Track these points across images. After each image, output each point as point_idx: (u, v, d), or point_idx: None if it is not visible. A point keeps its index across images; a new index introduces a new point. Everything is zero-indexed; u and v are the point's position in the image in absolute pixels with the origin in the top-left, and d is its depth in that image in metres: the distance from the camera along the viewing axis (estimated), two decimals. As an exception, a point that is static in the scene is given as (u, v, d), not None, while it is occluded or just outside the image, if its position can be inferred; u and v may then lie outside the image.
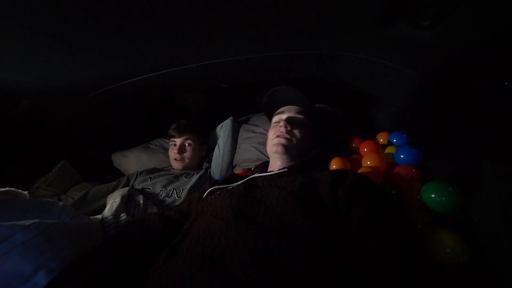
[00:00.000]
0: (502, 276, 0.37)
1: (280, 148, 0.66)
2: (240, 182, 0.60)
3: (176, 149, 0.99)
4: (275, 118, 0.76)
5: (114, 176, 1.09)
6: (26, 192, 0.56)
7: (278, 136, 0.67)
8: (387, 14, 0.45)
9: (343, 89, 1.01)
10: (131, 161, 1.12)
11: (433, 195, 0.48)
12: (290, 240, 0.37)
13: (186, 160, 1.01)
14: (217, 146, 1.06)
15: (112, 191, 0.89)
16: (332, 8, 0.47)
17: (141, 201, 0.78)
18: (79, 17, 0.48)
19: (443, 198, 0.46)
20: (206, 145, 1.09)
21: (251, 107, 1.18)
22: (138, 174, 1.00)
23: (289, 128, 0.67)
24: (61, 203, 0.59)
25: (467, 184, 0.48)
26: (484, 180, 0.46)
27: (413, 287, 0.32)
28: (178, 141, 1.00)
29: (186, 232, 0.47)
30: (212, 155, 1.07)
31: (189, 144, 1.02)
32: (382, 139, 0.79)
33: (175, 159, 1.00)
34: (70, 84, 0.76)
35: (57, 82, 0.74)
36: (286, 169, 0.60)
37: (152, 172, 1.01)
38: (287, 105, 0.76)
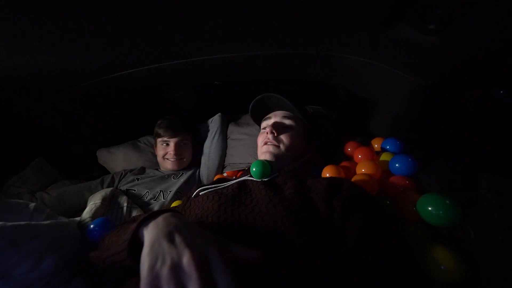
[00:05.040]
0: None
1: (268, 156, 0.65)
2: (230, 183, 0.57)
3: (172, 150, 0.93)
4: (263, 124, 0.75)
5: (99, 174, 1.04)
6: (-8, 193, 0.51)
7: (266, 143, 0.66)
8: (390, 15, 0.42)
9: (339, 91, 0.99)
10: (118, 159, 1.06)
11: (429, 208, 0.45)
12: (279, 255, 0.35)
13: (184, 161, 0.97)
14: (205, 143, 1.01)
15: (94, 190, 0.85)
16: (330, 6, 0.44)
17: (125, 204, 0.74)
18: (63, 3, 0.44)
19: (440, 212, 0.44)
20: (198, 142, 1.04)
21: (243, 106, 1.15)
22: (123, 173, 0.95)
23: (275, 134, 0.66)
24: (33, 204, 0.55)
25: (464, 197, 0.46)
26: (482, 194, 0.45)
27: None
28: (172, 141, 0.94)
29: None
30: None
31: (185, 144, 0.97)
32: (376, 144, 0.77)
33: (170, 159, 0.94)
34: (50, 76, 0.71)
35: (35, 74, 0.68)
36: (277, 174, 0.58)
37: (140, 172, 0.96)
38: (275, 111, 0.74)
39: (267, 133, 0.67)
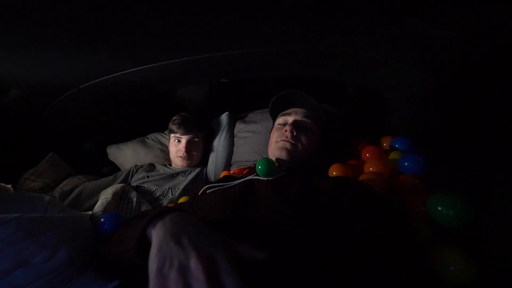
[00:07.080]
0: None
1: (284, 153, 0.62)
2: (237, 182, 0.57)
3: (183, 147, 0.94)
4: (280, 119, 0.72)
5: (109, 170, 1.07)
6: (9, 186, 0.54)
7: (283, 140, 0.64)
8: (402, 9, 0.41)
9: (348, 88, 0.97)
10: (127, 155, 1.09)
11: (439, 208, 0.45)
12: (285, 255, 0.35)
13: (194, 158, 0.97)
14: (213, 142, 1.02)
15: (108, 186, 0.87)
16: (339, 0, 0.43)
17: (135, 199, 0.76)
18: (73, 5, 0.44)
19: (451, 212, 0.43)
20: (208, 140, 1.05)
21: (250, 103, 1.14)
22: (135, 169, 0.97)
23: (295, 134, 0.64)
24: (48, 197, 0.57)
25: (477, 197, 0.45)
26: (496, 195, 0.43)
27: None
28: (184, 138, 0.95)
29: None
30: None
31: (196, 142, 0.97)
32: (385, 143, 0.76)
33: (181, 156, 0.95)
34: (62, 74, 0.73)
35: (48, 72, 0.70)
36: (284, 173, 0.57)
37: (150, 169, 0.98)
38: (295, 107, 0.72)
39: (285, 130, 0.64)
